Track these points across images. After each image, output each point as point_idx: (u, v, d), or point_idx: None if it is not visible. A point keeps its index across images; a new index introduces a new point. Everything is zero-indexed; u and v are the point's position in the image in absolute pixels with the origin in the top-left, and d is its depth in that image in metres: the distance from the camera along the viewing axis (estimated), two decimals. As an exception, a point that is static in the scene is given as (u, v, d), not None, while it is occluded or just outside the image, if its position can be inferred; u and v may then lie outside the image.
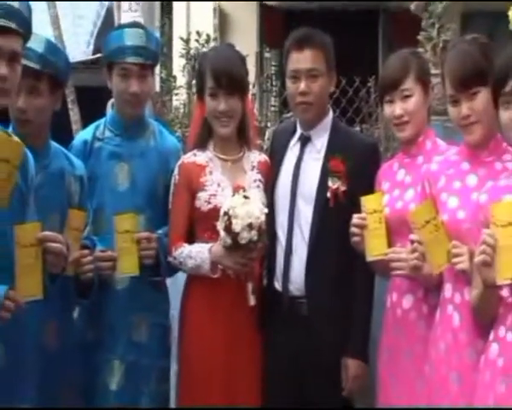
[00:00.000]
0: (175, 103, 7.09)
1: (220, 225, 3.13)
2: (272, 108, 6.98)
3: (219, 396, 3.25)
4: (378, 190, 3.15)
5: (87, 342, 3.30)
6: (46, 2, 8.01)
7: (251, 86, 4.55)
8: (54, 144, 3.16)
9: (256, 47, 8.63)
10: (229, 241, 3.12)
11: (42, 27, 6.46)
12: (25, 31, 2.56)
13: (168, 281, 3.51)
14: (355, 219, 3.04)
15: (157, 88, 7.01)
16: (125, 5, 6.43)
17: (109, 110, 3.65)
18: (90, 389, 3.28)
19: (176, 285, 3.54)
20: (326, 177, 3.26)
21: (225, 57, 3.37)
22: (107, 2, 9.87)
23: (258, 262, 3.31)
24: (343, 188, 3.24)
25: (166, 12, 9.59)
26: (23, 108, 2.97)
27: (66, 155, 3.21)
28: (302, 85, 3.27)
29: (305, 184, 3.31)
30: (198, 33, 7.45)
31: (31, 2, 2.61)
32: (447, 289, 2.78)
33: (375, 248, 2.99)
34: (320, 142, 3.34)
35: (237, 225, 3.08)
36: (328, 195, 3.24)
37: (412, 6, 4.69)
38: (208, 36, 7.62)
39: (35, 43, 2.90)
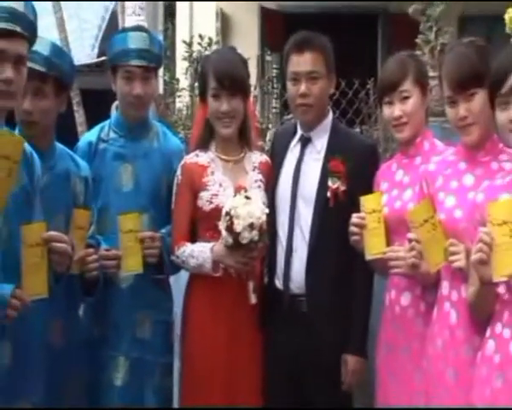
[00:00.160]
0: (178, 105, 7.08)
1: (222, 225, 3.15)
2: (273, 110, 6.95)
3: (221, 393, 3.27)
4: (377, 191, 3.17)
5: (92, 340, 3.32)
6: (52, 6, 8.04)
7: (252, 88, 4.56)
8: (59, 146, 3.18)
9: (257, 50, 8.61)
10: (230, 240, 3.14)
11: (48, 31, 6.49)
12: (30, 34, 2.58)
13: (171, 279, 3.53)
14: (354, 218, 3.05)
15: (160, 90, 7.00)
16: (129, 9, 6.45)
17: (114, 112, 3.64)
18: (95, 385, 3.31)
19: (178, 284, 3.56)
20: (326, 177, 3.28)
21: (227, 59, 3.39)
22: (111, 6, 9.89)
23: (259, 261, 3.33)
24: (343, 188, 3.25)
25: (170, 16, 9.58)
26: (29, 109, 2.99)
27: (71, 156, 3.22)
28: (302, 88, 3.29)
29: (305, 184, 3.33)
30: (200, 37, 7.44)
31: (37, 6, 2.63)
32: (444, 287, 2.79)
33: (374, 246, 3.01)
34: (320, 143, 3.36)
35: (239, 226, 3.10)
36: (329, 194, 3.26)
37: (410, 10, 4.68)
38: (210, 39, 7.61)
39: (41, 46, 2.91)
